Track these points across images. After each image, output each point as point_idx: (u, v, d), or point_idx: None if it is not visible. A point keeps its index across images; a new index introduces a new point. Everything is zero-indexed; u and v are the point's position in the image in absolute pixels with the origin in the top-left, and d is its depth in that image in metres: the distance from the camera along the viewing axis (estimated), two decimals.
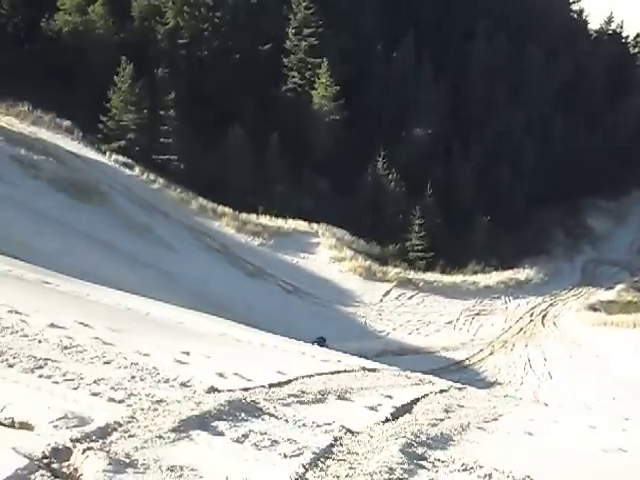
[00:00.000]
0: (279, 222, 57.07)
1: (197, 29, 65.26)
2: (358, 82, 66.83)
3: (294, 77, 66.06)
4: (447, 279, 59.17)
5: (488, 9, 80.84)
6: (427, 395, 11.22)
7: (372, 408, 8.50)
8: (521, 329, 54.55)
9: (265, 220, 56.77)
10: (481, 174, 69.18)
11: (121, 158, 57.18)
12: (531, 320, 56.40)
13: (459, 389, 14.70)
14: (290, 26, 66.60)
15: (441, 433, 7.71)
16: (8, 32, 65.96)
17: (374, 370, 14.70)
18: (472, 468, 6.07)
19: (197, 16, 65.40)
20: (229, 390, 7.21)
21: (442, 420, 8.73)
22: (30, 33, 65.27)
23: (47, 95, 57.61)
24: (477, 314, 56.17)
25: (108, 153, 57.42)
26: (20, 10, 66.57)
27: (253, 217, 56.47)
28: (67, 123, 58.30)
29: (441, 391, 12.64)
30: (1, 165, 48.59)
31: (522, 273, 63.55)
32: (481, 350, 50.05)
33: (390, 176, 63.79)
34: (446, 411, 9.74)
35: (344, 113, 64.46)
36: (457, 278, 59.71)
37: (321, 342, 41.45)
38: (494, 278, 61.42)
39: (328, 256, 55.85)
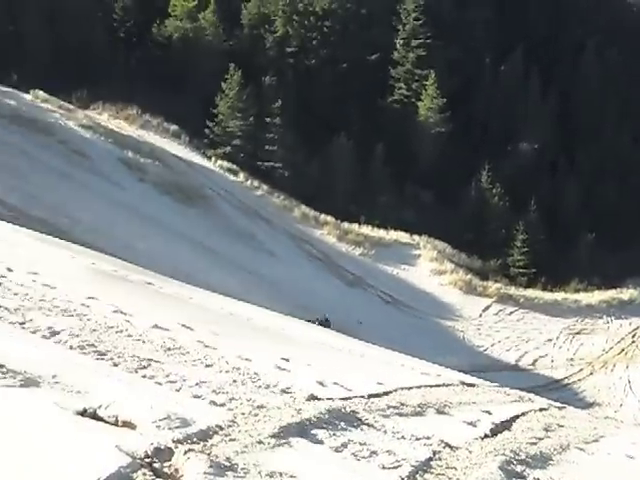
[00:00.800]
0: (381, 233, 56.96)
1: (306, 38, 65.61)
2: (465, 94, 66.37)
3: (401, 88, 65.91)
4: (548, 296, 58.29)
5: (599, 23, 79.43)
6: (526, 413, 11.04)
7: (471, 423, 8.38)
8: (622, 350, 53.43)
9: (367, 230, 56.70)
10: (587, 190, 67.96)
11: (226, 164, 57.77)
12: (633, 341, 55.18)
13: (559, 408, 14.45)
14: (398, 37, 66.50)
15: (540, 452, 7.57)
16: (120, 37, 67.33)
17: (473, 385, 14.54)
18: None
19: (306, 25, 65.75)
20: (329, 399, 7.18)
21: (541, 439, 8.57)
22: (141, 38, 66.47)
23: (156, 99, 58.58)
24: (578, 333, 55.22)
25: (213, 158, 58.06)
26: (132, 15, 67.88)
27: (355, 227, 56.46)
28: (174, 128, 59.15)
29: (541, 409, 12.43)
30: (109, 167, 49.53)
31: (626, 293, 62.15)
32: (581, 370, 49.21)
33: (494, 190, 63.18)
34: (546, 430, 9.57)
35: (449, 125, 64.10)
36: (558, 295, 58.78)
37: (324, 322, 41.16)
38: (596, 297, 60.22)
39: (428, 268, 55.54)
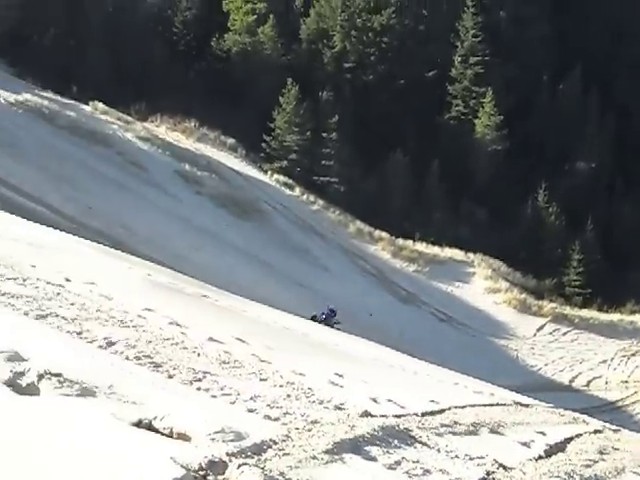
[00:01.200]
0: (435, 250, 56.78)
1: (363, 54, 65.72)
2: (522, 112, 65.99)
3: (458, 105, 65.73)
4: (604, 317, 57.63)
5: None
6: (581, 435, 10.91)
7: (525, 444, 8.31)
8: None
9: (421, 247, 56.55)
10: None
11: (282, 178, 57.97)
12: None
13: (614, 431, 14.26)
14: (456, 54, 66.33)
15: (595, 475, 7.48)
16: (179, 50, 68.00)
17: (527, 405, 14.40)
18: None
19: (364, 41, 65.86)
20: (382, 415, 7.16)
21: (596, 462, 8.47)
22: (200, 52, 67.06)
23: (213, 113, 59.00)
24: (633, 355, 54.49)
25: (270, 172, 58.30)
26: (192, 29, 68.51)
27: (409, 243, 56.32)
28: (231, 141, 59.53)
29: (595, 431, 12.27)
30: (166, 179, 49.93)
31: None
32: (635, 392, 48.56)
33: (550, 209, 62.70)
34: (600, 452, 9.45)
35: (506, 143, 63.80)
36: (614, 317, 58.09)
37: (329, 314, 40.87)
38: None
39: (483, 287, 55.22)
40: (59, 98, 56.85)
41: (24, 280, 9.45)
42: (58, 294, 9.05)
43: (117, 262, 13.59)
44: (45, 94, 56.52)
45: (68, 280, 10.07)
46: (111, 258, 13.94)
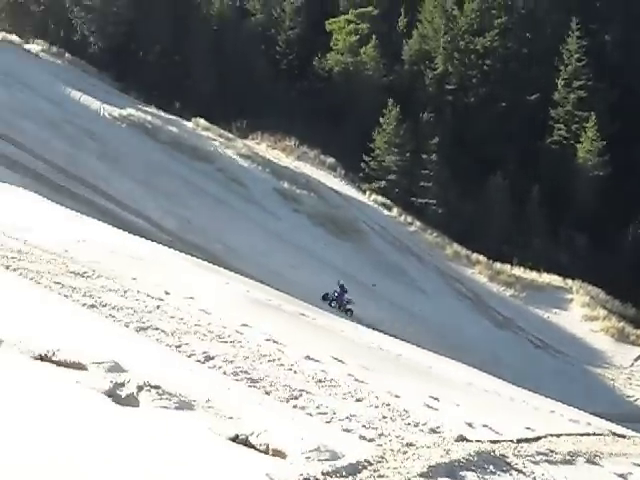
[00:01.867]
0: (533, 275, 56.00)
1: (465, 76, 65.42)
2: (625, 138, 64.87)
3: (560, 129, 64.86)
4: None
5: None
6: None
7: (622, 476, 8.15)
8: None
9: (519, 271, 55.83)
10: None
11: (380, 198, 57.93)
12: None
13: None
14: (560, 77, 65.54)
15: None
16: (282, 69, 68.61)
17: (624, 436, 14.10)
18: None
19: (466, 63, 65.56)
20: (478, 441, 7.08)
21: None
22: (303, 71, 67.53)
23: (314, 131, 59.29)
24: None
25: (368, 192, 58.31)
26: (295, 49, 69.10)
27: (507, 267, 55.66)
28: (331, 160, 59.74)
29: None
30: (265, 196, 50.28)
31: None
32: None
33: None
34: None
35: (608, 169, 62.76)
36: None
37: (340, 291, 39.72)
38: None
39: (580, 314, 54.26)
40: (162, 114, 57.72)
41: (125, 292, 9.60)
42: (158, 307, 9.17)
43: (215, 277, 13.70)
44: (148, 109, 57.45)
45: (168, 293, 10.20)
46: (209, 273, 14.07)
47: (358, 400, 7.54)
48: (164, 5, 67.89)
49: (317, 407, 6.63)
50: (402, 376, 10.56)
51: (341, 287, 39.69)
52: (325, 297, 39.34)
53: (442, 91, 65.36)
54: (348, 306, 39.30)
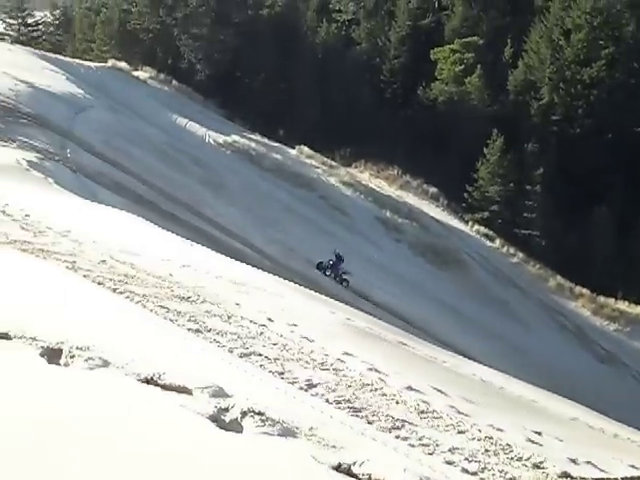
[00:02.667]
0: (638, 309, 54.90)
1: (571, 106, 64.65)
2: None
3: None
4: None
5: None
6: None
7: None
8: None
9: (623, 305, 54.75)
10: None
11: (483, 229, 57.56)
12: None
13: None
14: None
15: None
16: (386, 98, 68.76)
17: None
18: None
19: (572, 93, 64.81)
20: (582, 478, 6.95)
21: None
22: (407, 100, 67.62)
23: (417, 161, 59.28)
24: None
25: (470, 223, 57.99)
26: (399, 78, 69.26)
27: (611, 301, 54.63)
28: (433, 190, 59.64)
29: None
30: (366, 225, 50.35)
31: None
32: None
33: None
34: None
35: None
36: None
37: (336, 261, 38.69)
38: None
39: None
40: (266, 141, 58.37)
41: (229, 318, 9.68)
42: (261, 333, 9.22)
43: (317, 304, 13.74)
44: (253, 136, 58.15)
45: (271, 320, 10.25)
46: (311, 300, 14.12)
47: (460, 432, 7.46)
48: (270, 33, 68.78)
49: (419, 438, 6.58)
50: (504, 409, 10.43)
51: (337, 256, 38.94)
52: (319, 266, 38.84)
53: (547, 122, 64.68)
54: (344, 276, 38.74)
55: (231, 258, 17.77)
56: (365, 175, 60.22)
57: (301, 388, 7.26)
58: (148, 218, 20.45)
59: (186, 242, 17.53)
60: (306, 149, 58.76)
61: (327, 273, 38.59)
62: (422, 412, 7.74)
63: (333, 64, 69.83)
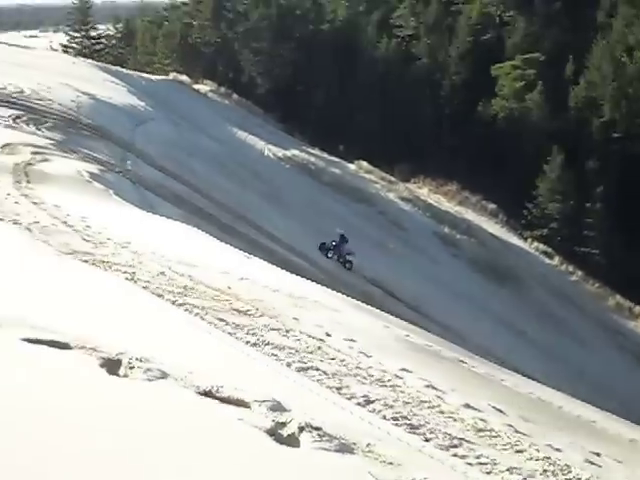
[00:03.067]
0: None
1: (633, 124, 64.00)
2: None
3: None
4: None
5: None
6: None
7: None
8: None
9: None
10: None
11: (541, 246, 57.18)
12: None
13: None
14: None
15: None
16: (446, 114, 68.57)
17: None
18: None
19: (634, 111, 64.18)
20: None
21: None
22: (466, 116, 67.39)
23: (476, 177, 59.06)
24: None
25: (529, 240, 57.65)
26: (459, 93, 69.04)
27: None
28: (492, 206, 59.37)
29: None
30: (425, 240, 50.22)
31: None
32: None
33: None
34: None
35: None
36: None
37: (340, 241, 38.15)
38: None
39: None
40: (325, 155, 58.52)
41: (287, 332, 9.68)
42: (319, 348, 9.22)
43: (374, 319, 13.70)
44: (312, 151, 58.32)
45: (328, 335, 10.24)
46: (369, 315, 14.08)
47: (518, 452, 7.39)
48: (330, 48, 69.06)
49: (477, 457, 6.53)
50: (563, 429, 10.30)
51: (341, 237, 38.54)
52: (322, 247, 38.47)
53: (608, 139, 64.09)
54: (348, 257, 38.40)
55: (289, 271, 17.80)
56: (424, 190, 60.15)
57: (358, 404, 7.24)
58: (207, 230, 20.56)
59: (244, 255, 17.59)
60: (365, 164, 58.81)
61: (329, 255, 38.39)
62: (480, 430, 7.68)
63: (393, 79, 69.87)
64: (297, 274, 18.01)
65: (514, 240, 56.98)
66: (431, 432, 6.91)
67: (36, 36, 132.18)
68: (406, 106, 66.97)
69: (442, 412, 7.91)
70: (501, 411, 9.10)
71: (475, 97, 68.73)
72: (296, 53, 70.60)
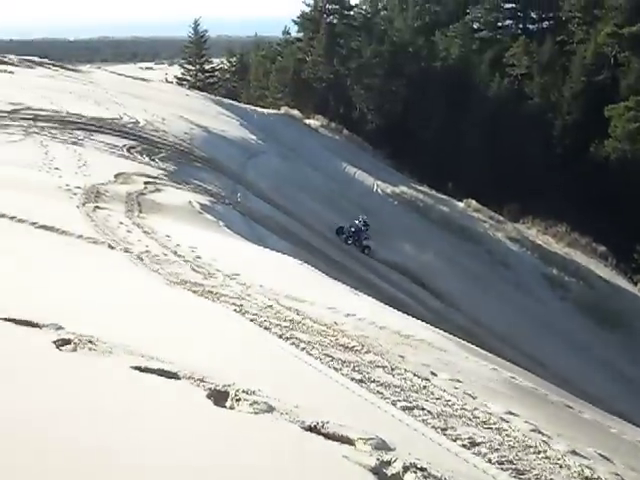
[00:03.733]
0: None
1: None
2: None
3: None
4: None
5: None
6: None
7: None
8: None
9: None
10: None
11: None
12: None
13: None
14: None
15: None
16: (556, 153, 67.90)
17: None
18: None
19: None
20: None
21: None
22: (578, 157, 66.69)
23: (586, 219, 58.29)
24: None
25: (639, 284, 56.57)
26: (571, 135, 68.35)
27: None
28: (602, 249, 58.44)
29: None
30: (531, 281, 49.63)
31: None
32: None
33: None
34: None
35: None
36: None
37: (361, 229, 37.65)
38: None
39: None
40: (434, 193, 58.35)
41: (392, 370, 9.67)
42: (424, 387, 9.18)
43: (480, 361, 13.58)
44: (421, 188, 58.24)
45: (434, 374, 10.20)
46: (474, 356, 13.96)
47: None
48: (441, 85, 69.12)
49: None
50: None
51: (364, 222, 38.58)
52: (340, 231, 38.07)
53: None
54: (365, 242, 38.25)
55: (395, 309, 17.78)
56: (532, 231, 59.49)
57: (463, 446, 7.18)
58: (314, 264, 20.66)
59: (351, 291, 17.63)
60: (474, 202, 58.48)
61: (349, 242, 38.33)
62: (586, 478, 7.55)
63: (504, 118, 69.48)
64: (403, 311, 17.96)
65: (624, 284, 55.89)
66: (537, 478, 6.82)
67: (151, 68, 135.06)
68: (516, 145, 66.50)
69: (548, 458, 7.79)
70: (608, 459, 8.92)
71: (587, 138, 67.94)
72: (407, 90, 70.78)
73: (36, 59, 59.45)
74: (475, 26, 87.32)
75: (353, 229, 38.46)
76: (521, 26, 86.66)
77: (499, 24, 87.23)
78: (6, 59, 55.43)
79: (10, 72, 48.93)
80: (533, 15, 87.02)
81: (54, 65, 59.45)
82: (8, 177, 20.56)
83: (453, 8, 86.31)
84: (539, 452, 7.90)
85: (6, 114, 31.81)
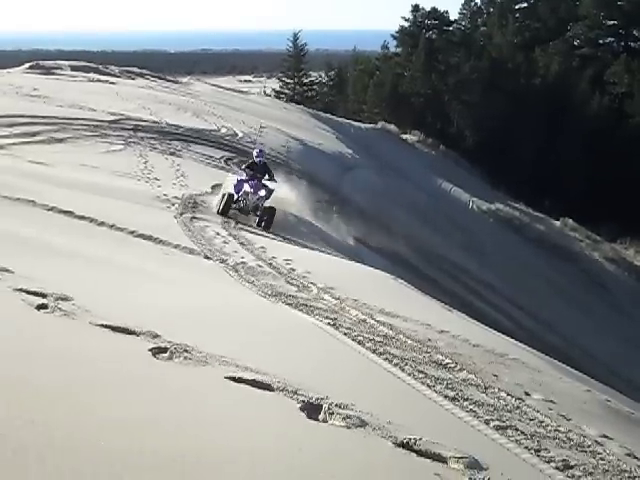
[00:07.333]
0: None
1: None
2: None
3: None
4: None
5: None
6: None
7: None
8: None
9: None
10: None
11: None
12: None
13: None
14: None
15: None
16: None
17: None
18: None
19: None
20: None
21: None
22: None
23: None
24: None
25: None
26: None
27: None
28: None
29: None
30: (628, 303, 48.79)
31: None
32: None
33: None
34: None
35: None
36: None
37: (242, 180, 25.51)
38: None
39: None
40: (530, 211, 57.75)
41: (486, 389, 9.62)
42: (517, 407, 9.11)
43: (575, 382, 13.41)
44: (517, 205, 57.69)
45: (527, 394, 10.11)
46: (569, 377, 13.79)
47: None
48: (540, 102, 68.43)
49: None
50: None
51: (258, 155, 23.58)
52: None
53: None
54: (258, 201, 22.50)
55: (488, 327, 17.65)
56: (630, 252, 58.44)
57: (557, 468, 7.11)
58: (408, 280, 20.62)
59: (445, 307, 17.56)
60: (571, 222, 57.72)
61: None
62: None
63: (604, 137, 68.52)
64: (496, 330, 17.84)
65: None
66: None
67: (250, 81, 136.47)
68: (615, 165, 65.55)
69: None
70: None
71: None
72: (505, 106, 70.24)
73: (136, 70, 60.61)
74: (575, 43, 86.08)
75: (237, 180, 22.99)
76: (623, 44, 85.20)
77: (600, 41, 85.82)
78: (107, 70, 56.63)
79: (111, 83, 49.97)
80: (635, 33, 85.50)
81: (153, 76, 60.56)
82: (108, 186, 21.01)
83: (553, 25, 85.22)
84: (634, 477, 7.79)
85: (107, 124, 32.53)
